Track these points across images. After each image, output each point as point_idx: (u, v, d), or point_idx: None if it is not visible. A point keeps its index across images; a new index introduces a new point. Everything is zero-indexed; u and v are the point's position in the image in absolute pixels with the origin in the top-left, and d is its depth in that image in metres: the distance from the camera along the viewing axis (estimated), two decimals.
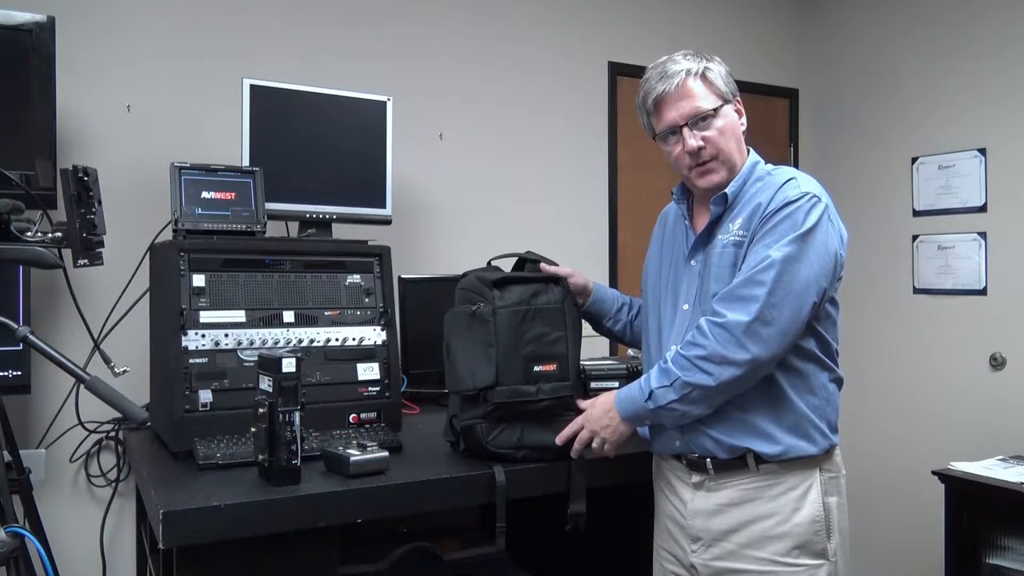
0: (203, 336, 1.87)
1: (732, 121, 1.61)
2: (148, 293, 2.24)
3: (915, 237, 3.38)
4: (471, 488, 1.68)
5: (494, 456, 1.70)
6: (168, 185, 2.07)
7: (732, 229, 1.57)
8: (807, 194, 1.52)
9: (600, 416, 1.63)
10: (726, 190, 1.60)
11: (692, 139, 1.58)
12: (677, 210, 1.74)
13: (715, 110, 1.58)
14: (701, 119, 1.58)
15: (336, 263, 2.08)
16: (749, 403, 1.53)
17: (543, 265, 1.82)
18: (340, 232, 2.38)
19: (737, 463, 1.55)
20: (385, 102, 2.41)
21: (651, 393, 1.54)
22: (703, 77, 1.59)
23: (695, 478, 1.61)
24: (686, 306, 1.63)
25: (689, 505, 1.62)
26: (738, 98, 1.64)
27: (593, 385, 2.23)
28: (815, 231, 1.49)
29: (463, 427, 1.72)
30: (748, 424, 1.54)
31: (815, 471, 1.56)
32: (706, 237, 1.63)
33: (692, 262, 1.64)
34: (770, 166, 1.65)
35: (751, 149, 1.68)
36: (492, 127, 3.03)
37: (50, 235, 1.55)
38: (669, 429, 1.62)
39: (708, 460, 1.57)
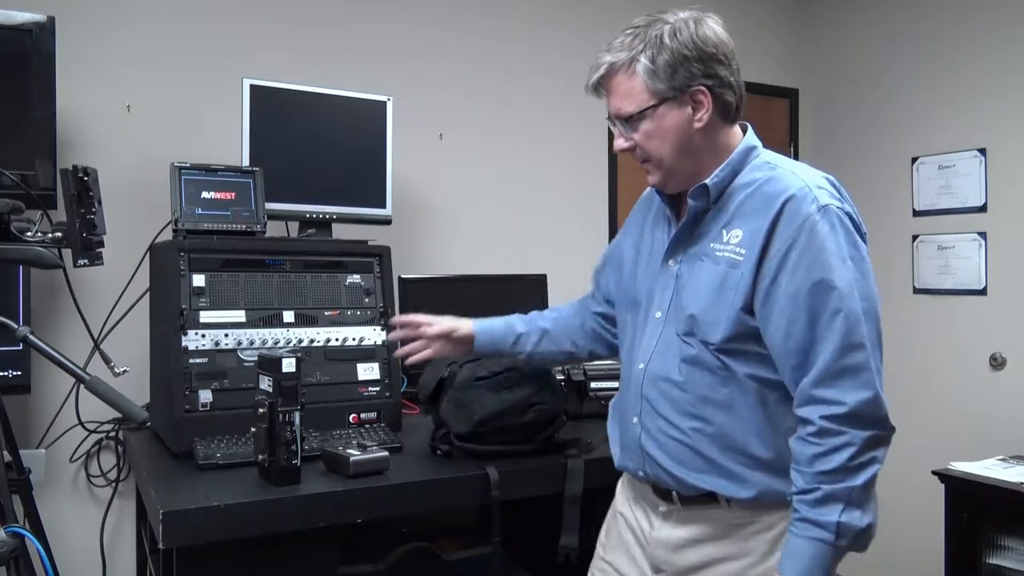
0: (203, 336, 1.88)
1: (671, 122, 1.34)
2: (148, 293, 2.24)
3: (915, 237, 3.38)
4: (471, 488, 1.68)
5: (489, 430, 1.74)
6: (168, 185, 2.07)
7: (727, 240, 1.34)
8: (824, 207, 1.28)
9: None
10: (706, 181, 1.36)
11: (618, 138, 1.40)
12: (660, 201, 1.50)
13: (641, 112, 1.34)
14: (624, 119, 1.37)
15: (336, 263, 2.08)
16: (718, 442, 1.34)
17: (423, 329, 1.72)
18: (340, 232, 2.38)
19: (706, 498, 1.37)
20: (385, 102, 2.40)
21: (838, 528, 1.22)
22: (630, 71, 1.34)
23: (663, 507, 1.43)
24: (659, 314, 1.42)
25: (655, 533, 1.45)
26: (698, 85, 1.33)
27: (593, 385, 2.23)
28: (855, 243, 1.29)
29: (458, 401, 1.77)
30: (715, 465, 1.34)
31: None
32: (686, 236, 1.41)
33: (670, 262, 1.43)
34: (770, 156, 1.41)
35: (749, 127, 1.43)
36: (492, 127, 3.03)
37: (50, 235, 1.55)
38: (633, 454, 1.45)
39: (674, 492, 1.40)
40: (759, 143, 1.43)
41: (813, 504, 1.23)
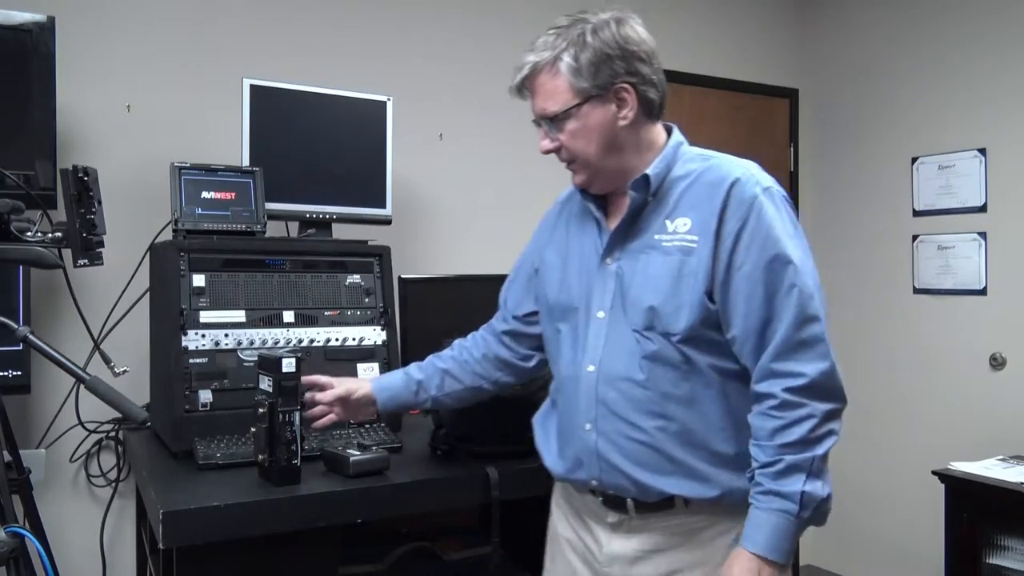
0: (203, 336, 1.88)
1: (596, 120, 1.34)
2: (148, 293, 2.24)
3: (915, 237, 3.38)
4: (471, 488, 1.69)
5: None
6: (168, 185, 2.07)
7: (674, 229, 1.34)
8: (766, 189, 1.33)
9: None
10: (647, 171, 1.36)
11: (543, 140, 1.41)
12: (582, 202, 1.48)
13: (566, 111, 1.35)
14: (550, 119, 1.38)
15: (336, 263, 2.08)
16: (681, 440, 1.32)
17: (319, 396, 1.62)
18: (340, 232, 2.38)
19: (663, 504, 1.35)
20: (385, 102, 2.40)
21: (802, 498, 1.23)
22: (554, 70, 1.35)
23: (612, 518, 1.40)
24: (601, 313, 1.39)
25: (605, 548, 1.40)
26: (621, 82, 1.34)
27: None
28: (796, 224, 1.34)
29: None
30: (679, 465, 1.32)
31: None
32: (625, 232, 1.39)
33: (608, 260, 1.40)
34: (699, 150, 1.43)
35: (674, 127, 1.45)
36: (492, 127, 3.03)
37: (50, 235, 1.55)
38: (586, 463, 1.39)
39: (628, 499, 1.37)
40: (685, 140, 1.45)
41: (776, 476, 1.24)
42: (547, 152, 1.42)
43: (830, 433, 1.26)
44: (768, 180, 1.35)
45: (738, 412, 1.32)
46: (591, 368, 1.38)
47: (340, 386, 1.62)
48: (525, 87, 1.40)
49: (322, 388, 1.63)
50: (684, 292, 1.31)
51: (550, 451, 1.50)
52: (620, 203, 1.41)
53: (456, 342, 1.70)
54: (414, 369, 1.66)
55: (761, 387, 1.28)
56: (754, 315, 1.28)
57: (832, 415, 1.26)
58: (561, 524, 1.53)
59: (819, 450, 1.24)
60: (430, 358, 1.68)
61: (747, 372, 1.32)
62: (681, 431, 1.32)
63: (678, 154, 1.40)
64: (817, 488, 1.24)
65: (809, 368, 1.25)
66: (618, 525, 1.40)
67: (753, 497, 1.27)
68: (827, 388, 1.26)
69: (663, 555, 1.36)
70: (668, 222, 1.35)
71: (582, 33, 1.34)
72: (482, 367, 1.64)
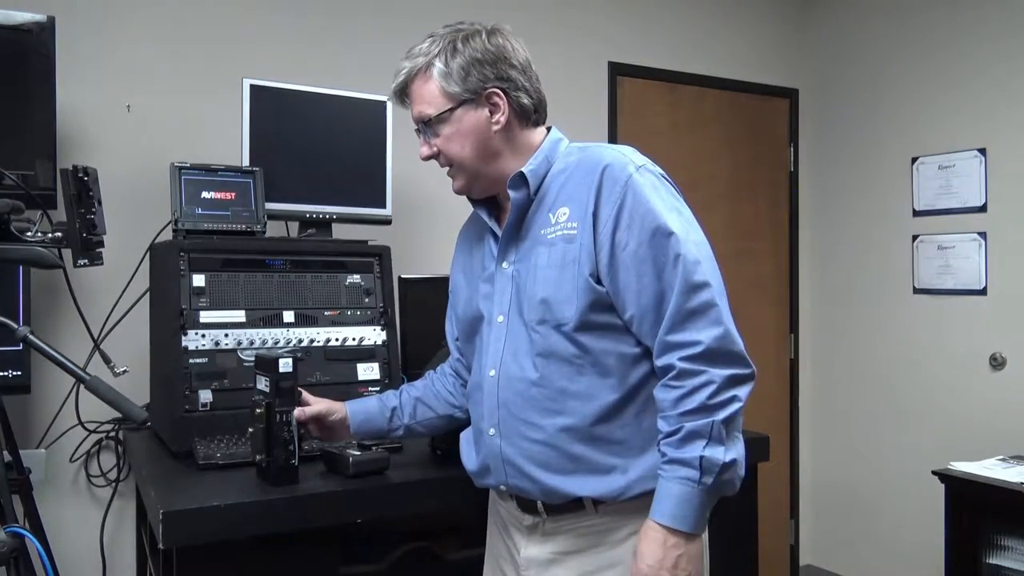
0: (203, 336, 1.88)
1: (469, 125, 1.38)
2: (148, 293, 2.24)
3: (915, 237, 3.38)
4: (471, 488, 1.68)
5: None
6: (168, 185, 2.07)
7: (556, 220, 1.36)
8: (640, 167, 1.33)
9: (664, 556, 1.24)
10: (523, 169, 1.38)
11: (423, 146, 1.45)
12: (477, 216, 1.51)
13: (439, 116, 1.39)
14: (426, 123, 1.41)
15: (336, 263, 2.09)
16: (582, 435, 1.32)
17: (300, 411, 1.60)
18: (340, 232, 2.38)
19: (573, 505, 1.35)
20: (385, 102, 2.40)
21: (701, 463, 1.21)
22: (427, 76, 1.39)
23: (528, 521, 1.42)
24: (500, 318, 1.40)
25: (523, 552, 1.43)
26: (492, 87, 1.38)
27: None
28: (676, 196, 1.35)
29: None
30: (581, 462, 1.32)
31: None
32: (514, 234, 1.42)
33: (504, 265, 1.42)
34: (578, 143, 1.45)
35: (554, 127, 1.48)
36: None
37: (50, 235, 1.55)
38: (493, 469, 1.42)
39: (539, 502, 1.38)
40: (565, 137, 1.47)
41: (678, 444, 1.23)
42: (426, 158, 1.45)
43: (733, 400, 1.24)
44: (642, 159, 1.36)
45: (640, 397, 1.33)
46: (492, 373, 1.40)
47: (318, 404, 1.62)
48: (405, 93, 1.44)
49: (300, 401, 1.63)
50: (569, 279, 1.32)
51: (470, 458, 1.51)
52: (510, 209, 1.43)
53: (428, 372, 1.72)
54: (391, 395, 1.67)
55: (660, 361, 1.28)
56: (647, 292, 1.28)
57: (734, 381, 1.25)
58: (491, 533, 1.57)
59: (719, 415, 1.23)
60: (403, 387, 1.70)
61: (650, 352, 1.31)
62: (580, 426, 1.32)
63: (557, 151, 1.42)
64: (717, 453, 1.22)
65: (703, 335, 1.24)
66: (533, 528, 1.41)
67: (660, 468, 1.26)
68: (725, 353, 1.25)
69: (576, 558, 1.37)
70: (551, 215, 1.37)
71: (453, 40, 1.39)
72: (455, 397, 1.65)
